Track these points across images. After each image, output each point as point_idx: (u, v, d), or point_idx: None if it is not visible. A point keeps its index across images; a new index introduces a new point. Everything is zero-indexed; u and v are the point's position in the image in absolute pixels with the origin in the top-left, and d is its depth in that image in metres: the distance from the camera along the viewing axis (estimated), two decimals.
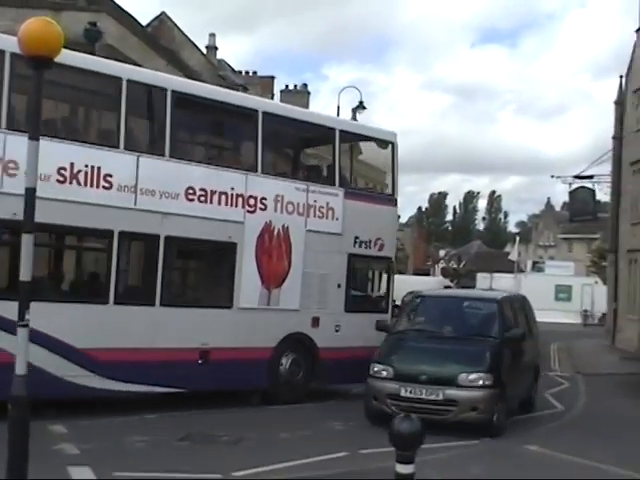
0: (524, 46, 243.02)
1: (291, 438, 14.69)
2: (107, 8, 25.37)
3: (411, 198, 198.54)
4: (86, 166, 15.37)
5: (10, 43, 12.75)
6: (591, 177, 44.08)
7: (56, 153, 14.64)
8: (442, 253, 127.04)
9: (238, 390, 17.92)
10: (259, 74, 60.74)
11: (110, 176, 15.69)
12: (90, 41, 23.73)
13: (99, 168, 15.53)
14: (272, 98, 58.84)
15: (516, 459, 13.88)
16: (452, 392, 15.28)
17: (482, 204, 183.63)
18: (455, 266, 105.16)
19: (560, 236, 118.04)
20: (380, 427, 13.00)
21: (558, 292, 72.18)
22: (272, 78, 61.61)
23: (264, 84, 58.00)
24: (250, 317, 17.89)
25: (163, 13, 44.09)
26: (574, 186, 44.49)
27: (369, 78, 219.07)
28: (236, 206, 17.76)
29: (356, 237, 20.15)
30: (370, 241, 20.52)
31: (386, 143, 21.74)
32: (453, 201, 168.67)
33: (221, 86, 38.13)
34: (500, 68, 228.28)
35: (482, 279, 77.75)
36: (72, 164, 15.19)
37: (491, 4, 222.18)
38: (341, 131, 20.06)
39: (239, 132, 19.98)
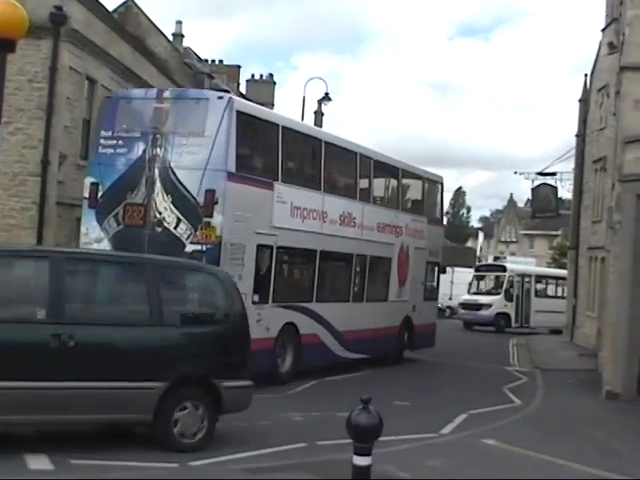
0: (500, 41, 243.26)
1: (249, 427, 14.67)
2: None
3: None
4: (348, 213, 23.66)
5: (325, 135, 24.33)
6: (554, 174, 44.40)
7: (339, 206, 23.24)
8: None
9: (382, 355, 26.28)
10: (231, 62, 60.62)
11: (355, 218, 24.06)
12: (55, 25, 23.53)
13: (350, 213, 23.79)
14: (238, 87, 58.68)
15: (473, 453, 13.93)
16: None
17: (445, 198, 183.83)
18: None
19: (522, 232, 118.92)
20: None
21: None
22: (238, 67, 61.38)
23: (230, 73, 57.81)
24: (392, 306, 26.79)
25: None
26: (537, 183, 44.83)
27: (343, 69, 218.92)
28: (391, 233, 26.60)
29: (429, 250, 29.71)
30: (433, 251, 30.23)
31: (436, 182, 31.02)
32: None
33: (187, 73, 38.11)
34: (475, 62, 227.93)
35: None
36: (344, 212, 23.43)
37: None
38: (427, 179, 30.02)
39: (390, 184, 28.53)
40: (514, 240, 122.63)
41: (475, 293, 51.99)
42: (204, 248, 17.69)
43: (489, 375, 25.94)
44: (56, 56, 23.74)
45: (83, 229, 19.24)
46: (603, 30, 36.70)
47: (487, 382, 24.21)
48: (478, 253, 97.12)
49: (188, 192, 18.07)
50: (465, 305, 51.35)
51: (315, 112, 45.92)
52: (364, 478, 8.06)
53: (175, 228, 18.03)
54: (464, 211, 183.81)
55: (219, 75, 51.96)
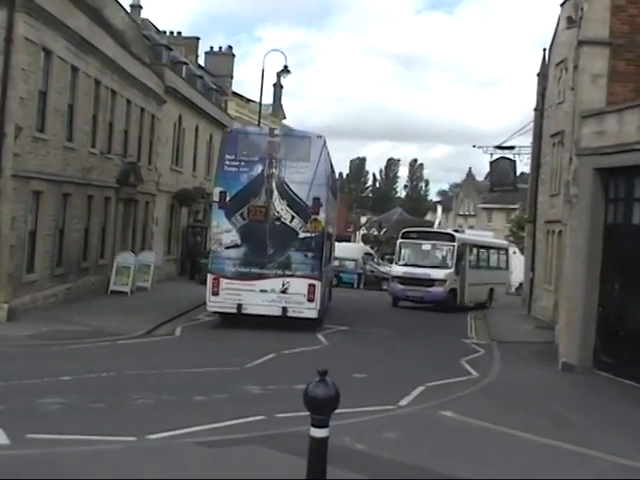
0: (468, 15, 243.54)
1: (207, 401, 14.70)
2: None
3: (337, 164, 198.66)
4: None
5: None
6: (512, 148, 44.57)
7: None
8: (363, 220, 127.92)
9: (327, 305, 32.76)
10: (195, 34, 60.49)
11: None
12: None
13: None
14: (196, 59, 58.28)
15: (430, 425, 14.05)
16: None
17: (403, 172, 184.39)
18: (376, 233, 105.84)
19: (480, 206, 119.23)
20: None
21: None
22: (197, 39, 61.05)
23: (189, 45, 57.46)
24: (330, 269, 35.42)
25: None
26: (495, 156, 44.98)
27: (309, 42, 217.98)
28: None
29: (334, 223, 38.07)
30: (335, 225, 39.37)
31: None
32: (376, 168, 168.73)
33: (144, 45, 37.82)
34: (442, 36, 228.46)
35: None
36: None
37: None
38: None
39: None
40: (472, 214, 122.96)
41: (408, 265, 42.56)
42: (313, 235, 26.73)
43: (447, 347, 26.08)
44: (11, 27, 23.42)
45: (214, 223, 27.22)
46: (562, 4, 36.80)
47: (445, 354, 24.35)
48: (436, 226, 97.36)
49: (299, 198, 26.70)
50: (406, 280, 41.48)
51: (274, 85, 45.65)
52: (321, 450, 8.09)
53: (290, 222, 26.65)
54: (422, 185, 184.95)
55: (177, 47, 51.60)
